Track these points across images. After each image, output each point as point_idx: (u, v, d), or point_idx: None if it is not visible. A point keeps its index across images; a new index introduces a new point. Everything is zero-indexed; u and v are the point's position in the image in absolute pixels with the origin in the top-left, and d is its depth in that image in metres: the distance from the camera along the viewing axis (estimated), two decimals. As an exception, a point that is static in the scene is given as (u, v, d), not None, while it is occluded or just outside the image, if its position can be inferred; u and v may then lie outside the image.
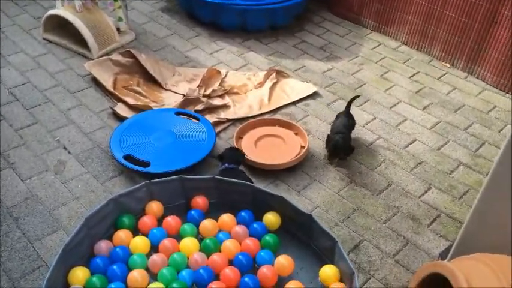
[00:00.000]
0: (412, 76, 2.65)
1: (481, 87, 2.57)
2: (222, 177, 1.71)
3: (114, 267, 1.47)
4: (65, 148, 2.08)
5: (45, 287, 1.30)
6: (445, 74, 2.67)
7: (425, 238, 1.76)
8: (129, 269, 1.49)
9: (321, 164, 2.06)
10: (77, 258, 1.49)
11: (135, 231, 1.63)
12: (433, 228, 1.80)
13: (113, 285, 1.42)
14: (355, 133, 2.16)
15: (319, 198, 1.91)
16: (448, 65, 2.73)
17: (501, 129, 2.28)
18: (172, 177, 1.71)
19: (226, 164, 1.86)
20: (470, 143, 2.19)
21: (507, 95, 2.51)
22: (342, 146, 2.00)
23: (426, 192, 1.95)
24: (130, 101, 2.28)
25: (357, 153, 2.11)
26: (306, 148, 2.05)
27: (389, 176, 2.02)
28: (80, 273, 1.44)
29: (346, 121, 2.11)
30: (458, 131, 2.26)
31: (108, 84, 2.37)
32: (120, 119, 2.22)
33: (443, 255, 1.64)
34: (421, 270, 1.30)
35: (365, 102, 2.43)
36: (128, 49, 2.55)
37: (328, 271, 1.52)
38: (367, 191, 1.94)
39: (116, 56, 2.52)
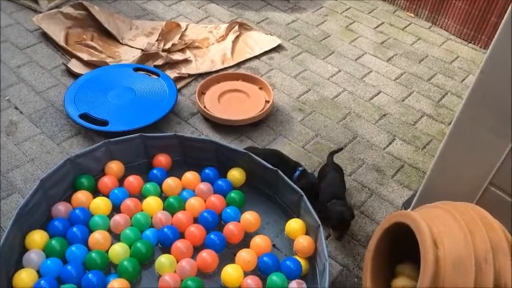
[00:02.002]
0: (377, 27, 2.61)
1: (444, 37, 2.56)
2: (183, 134, 1.66)
3: (74, 229, 1.42)
4: (16, 108, 1.96)
5: (0, 252, 1.24)
6: (409, 25, 2.64)
7: (390, 189, 1.78)
8: (90, 231, 1.45)
9: (286, 118, 2.03)
10: (34, 222, 1.43)
11: (95, 193, 1.57)
12: (397, 178, 1.82)
13: (73, 248, 1.37)
14: (320, 88, 2.13)
15: (285, 153, 1.88)
16: (412, 15, 2.70)
17: (463, 79, 2.29)
18: (133, 135, 1.64)
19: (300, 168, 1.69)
20: (433, 94, 2.20)
21: (470, 44, 2.52)
22: (350, 216, 1.54)
23: (390, 143, 1.96)
24: (85, 56, 2.15)
25: (322, 107, 2.09)
26: (270, 103, 2.00)
27: (354, 128, 2.01)
28: (37, 237, 1.39)
29: (338, 177, 1.68)
30: (422, 82, 2.26)
31: (59, 39, 2.22)
32: (75, 76, 2.10)
33: (406, 205, 1.67)
34: (385, 221, 1.31)
35: (330, 55, 2.39)
36: (79, 1, 2.38)
37: (294, 225, 1.52)
38: (332, 144, 1.93)
39: (66, 9, 2.35)
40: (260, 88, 2.11)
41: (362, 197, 1.74)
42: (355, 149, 1.92)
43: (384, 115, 2.08)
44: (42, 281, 1.28)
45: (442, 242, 1.10)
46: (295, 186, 1.52)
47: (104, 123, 1.83)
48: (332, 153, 1.79)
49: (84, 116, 1.84)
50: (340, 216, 1.52)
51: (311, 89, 2.18)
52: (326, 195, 1.60)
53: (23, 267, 1.33)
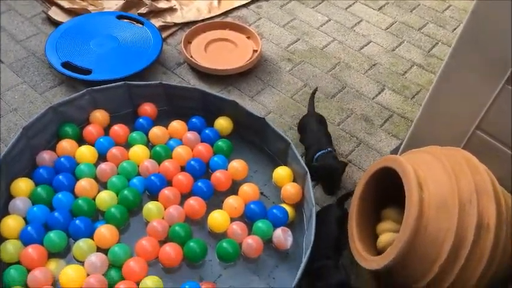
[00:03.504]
0: (368, -25, 2.53)
1: (437, -14, 2.50)
2: (169, 83, 1.62)
3: (60, 177, 1.40)
4: (-4, 57, 1.90)
5: (-16, 200, 1.23)
6: (401, -27, 2.57)
7: (378, 138, 1.78)
8: (76, 179, 1.43)
9: (275, 68, 2.00)
10: (18, 170, 1.41)
11: (80, 141, 1.55)
12: (385, 128, 1.82)
13: (60, 195, 1.36)
14: (309, 38, 2.08)
15: (273, 103, 1.86)
16: (405, -37, 2.62)
17: (455, 29, 2.26)
18: (117, 83, 1.60)
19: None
20: (424, 43, 2.17)
21: (462, -6, 2.46)
22: (342, 168, 1.51)
23: (379, 93, 1.94)
24: (65, 4, 2.06)
25: (311, 57, 2.05)
26: (258, 52, 1.96)
27: (343, 78, 1.98)
28: (22, 185, 1.37)
29: (322, 128, 1.62)
30: (412, 31, 2.22)
31: (38, -15, 2.13)
32: (55, 24, 2.02)
33: (394, 153, 1.68)
34: (372, 167, 1.32)
35: (320, 4, 2.32)
36: None
37: (281, 172, 1.52)
38: (321, 94, 1.91)
39: (45, -47, 2.24)
40: (248, 37, 2.06)
41: (350, 146, 1.74)
42: (343, 99, 1.90)
43: (374, 65, 2.05)
44: (29, 227, 1.28)
45: (427, 184, 1.11)
46: (283, 133, 1.51)
47: (87, 72, 1.78)
48: (312, 96, 1.73)
49: (66, 65, 1.79)
50: (329, 170, 1.47)
51: (300, 39, 2.14)
52: (311, 149, 1.55)
53: (9, 215, 1.33)
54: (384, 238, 1.29)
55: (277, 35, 2.13)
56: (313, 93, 1.75)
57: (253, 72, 1.96)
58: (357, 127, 1.81)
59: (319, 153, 1.51)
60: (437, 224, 1.06)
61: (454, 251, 1.03)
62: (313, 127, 1.61)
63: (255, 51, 2.00)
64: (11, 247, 1.24)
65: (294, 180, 1.51)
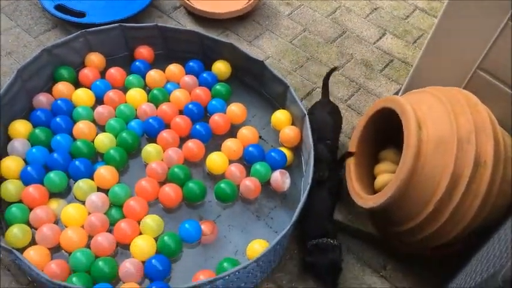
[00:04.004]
0: None
1: None
2: (165, 25, 1.59)
3: (58, 119, 1.40)
4: (-14, 0, 1.84)
5: (-18, 140, 1.23)
6: None
7: (377, 83, 1.76)
8: (74, 122, 1.43)
9: (273, 12, 1.95)
10: (15, 112, 1.41)
11: (76, 85, 1.53)
12: (385, 73, 1.80)
13: (58, 137, 1.36)
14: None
15: (272, 47, 1.83)
16: None
17: (459, -28, 2.18)
18: (111, 25, 1.56)
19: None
20: (427, -13, 2.11)
21: None
22: (328, 159, 1.36)
23: (381, 38, 1.91)
24: None
25: (310, 0, 2.00)
26: (257, -5, 1.90)
27: (344, 23, 1.94)
28: (20, 126, 1.37)
29: (328, 118, 1.44)
30: (416, -26, 2.15)
31: None
32: (47, -35, 1.95)
33: (393, 98, 1.67)
34: (371, 108, 1.31)
35: None
36: None
37: (280, 116, 1.51)
38: (321, 39, 1.88)
39: None
40: (246, -20, 2.00)
41: (349, 91, 1.73)
42: (344, 44, 1.87)
43: (375, 9, 2.00)
44: (29, 167, 1.28)
45: (426, 124, 1.11)
46: (281, 77, 1.49)
47: (81, 15, 1.74)
48: (327, 78, 1.52)
49: (60, 8, 1.74)
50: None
51: (300, -18, 2.07)
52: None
53: (9, 156, 1.33)
54: (381, 179, 1.31)
55: (277, -23, 2.07)
56: (329, 74, 1.54)
57: (251, 16, 1.91)
58: (356, 72, 1.79)
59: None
60: (435, 163, 1.06)
61: (449, 188, 1.04)
62: (322, 118, 1.43)
63: (253, -6, 1.94)
64: (12, 186, 1.25)
65: (293, 124, 1.51)
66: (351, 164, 1.35)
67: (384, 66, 1.82)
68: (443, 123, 1.09)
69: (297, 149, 1.49)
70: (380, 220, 1.31)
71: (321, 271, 1.22)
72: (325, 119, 1.44)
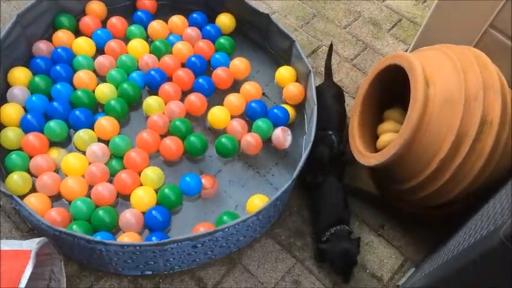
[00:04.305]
0: None
1: None
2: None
3: (58, 67, 1.37)
4: None
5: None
6: None
7: (385, 42, 1.72)
8: (74, 71, 1.40)
9: (281, -35, 1.88)
10: (15, 59, 1.38)
11: (77, 33, 1.50)
12: (393, 33, 1.75)
13: (58, 86, 1.34)
14: None
15: (278, 3, 1.78)
16: None
17: None
18: (113, -27, 1.51)
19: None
20: None
21: None
22: (325, 161, 1.28)
23: (390, -4, 1.85)
24: None
25: (320, -45, 1.93)
26: None
27: (353, -21, 1.88)
28: (20, 73, 1.35)
29: (333, 103, 1.37)
30: None
31: None
32: None
33: (400, 58, 1.63)
34: (378, 64, 1.28)
35: None
36: None
37: (284, 72, 1.49)
38: (329, -6, 1.82)
39: None
40: None
41: (355, 50, 1.69)
42: (352, 1, 1.82)
43: (386, -34, 1.94)
44: (29, 115, 1.27)
45: (434, 81, 1.09)
46: (287, 31, 1.45)
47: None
48: (329, 57, 1.47)
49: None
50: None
51: None
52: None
53: (8, 103, 1.31)
54: (384, 138, 1.29)
55: None
56: (329, 54, 1.48)
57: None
58: (363, 31, 1.75)
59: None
60: (441, 120, 1.05)
61: (454, 146, 1.03)
62: (326, 102, 1.36)
63: None
64: (12, 134, 1.24)
65: (297, 81, 1.49)
66: (354, 123, 1.33)
67: (392, 26, 1.77)
68: (452, 81, 1.06)
69: (300, 107, 1.47)
70: (381, 179, 1.31)
71: (335, 258, 1.17)
72: (329, 104, 1.36)
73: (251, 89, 1.44)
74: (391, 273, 1.27)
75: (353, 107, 1.36)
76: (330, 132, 1.31)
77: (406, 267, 1.28)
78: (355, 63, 1.66)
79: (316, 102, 1.32)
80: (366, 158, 1.22)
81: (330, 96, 1.38)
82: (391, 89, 1.29)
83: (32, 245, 0.97)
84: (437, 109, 1.05)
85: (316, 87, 1.38)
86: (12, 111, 1.27)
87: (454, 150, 1.04)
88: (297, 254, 1.27)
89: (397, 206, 1.30)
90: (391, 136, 1.27)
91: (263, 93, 1.50)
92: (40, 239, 1.00)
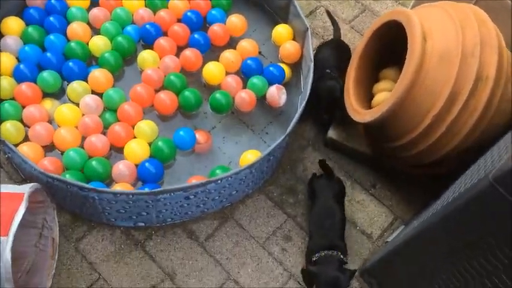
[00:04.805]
0: None
1: None
2: None
3: (51, 18, 1.35)
4: None
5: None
6: None
7: (384, 5, 1.70)
8: (68, 22, 1.38)
9: None
10: (8, 10, 1.36)
11: (71, -15, 1.47)
12: (393, -4, 1.73)
13: (52, 36, 1.33)
14: None
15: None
16: None
17: None
18: None
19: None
20: None
21: None
22: (339, 96, 1.30)
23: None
24: None
25: None
26: None
27: None
28: (13, 23, 1.33)
29: (335, 55, 1.39)
30: None
31: None
32: None
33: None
34: (377, 20, 1.26)
35: None
36: None
37: (281, 30, 1.47)
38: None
39: None
40: None
41: (354, 12, 1.67)
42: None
43: None
44: (22, 65, 1.26)
45: (432, 36, 1.08)
46: (285, -13, 1.43)
47: None
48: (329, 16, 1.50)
49: None
50: (327, 92, 1.28)
51: None
52: (317, 70, 1.31)
53: (1, 52, 1.30)
54: (379, 97, 1.29)
55: None
56: (330, 16, 1.51)
57: None
58: (363, -7, 1.72)
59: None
60: (437, 76, 1.04)
61: (449, 101, 1.03)
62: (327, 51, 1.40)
63: None
64: (5, 83, 1.23)
65: (294, 40, 1.47)
66: (350, 81, 1.32)
67: (394, -8, 1.74)
68: (449, 36, 1.06)
69: (296, 67, 1.46)
70: (375, 136, 1.31)
71: (321, 285, 1.07)
72: (329, 53, 1.40)
73: (247, 45, 1.43)
74: (381, 230, 1.29)
75: (349, 65, 1.34)
76: (328, 70, 1.32)
77: (395, 225, 1.30)
78: (353, 24, 1.64)
79: (312, 59, 1.31)
80: (361, 114, 1.21)
81: (332, 47, 1.42)
82: (389, 48, 1.28)
83: (25, 188, 0.98)
84: (433, 64, 1.05)
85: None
86: (5, 60, 1.26)
87: (448, 106, 1.04)
88: (289, 211, 1.29)
89: (389, 165, 1.31)
90: (386, 95, 1.27)
91: (259, 52, 1.48)
92: (33, 184, 1.01)
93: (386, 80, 1.31)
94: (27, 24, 1.35)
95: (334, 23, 1.49)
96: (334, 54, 1.39)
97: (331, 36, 1.50)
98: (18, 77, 1.25)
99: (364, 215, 1.31)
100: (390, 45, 1.26)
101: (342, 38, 1.48)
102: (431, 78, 1.05)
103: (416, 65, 1.05)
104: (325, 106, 1.31)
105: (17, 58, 1.30)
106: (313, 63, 1.30)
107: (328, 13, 1.52)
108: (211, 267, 1.19)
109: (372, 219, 1.31)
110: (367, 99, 1.32)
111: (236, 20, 1.46)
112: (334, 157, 1.38)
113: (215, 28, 1.43)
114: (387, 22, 1.21)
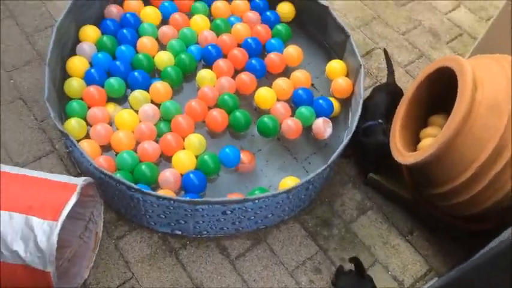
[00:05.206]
0: None
1: None
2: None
3: (124, 31, 1.47)
4: None
5: (54, 35, 1.32)
6: None
7: (441, 54, 1.72)
8: (139, 36, 1.50)
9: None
10: (87, 18, 1.49)
11: (146, 2, 1.60)
12: (452, 45, 1.74)
13: (123, 47, 1.44)
14: None
15: (339, 2, 1.81)
16: None
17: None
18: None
19: None
20: (515, -35, 1.99)
21: None
22: (388, 153, 1.29)
23: (454, 9, 1.84)
24: None
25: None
26: None
27: (418, -13, 1.89)
28: (90, 31, 1.46)
29: (389, 101, 1.40)
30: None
31: None
32: None
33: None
34: (430, 66, 1.28)
35: None
36: None
37: (335, 65, 1.52)
38: (391, 0, 1.83)
39: None
40: None
41: (411, 57, 1.70)
42: (414, 9, 1.83)
43: (454, -21, 1.93)
44: (93, 70, 1.38)
45: (483, 85, 1.08)
46: (343, 25, 1.48)
47: None
48: (387, 59, 1.53)
49: None
50: (376, 146, 1.32)
51: None
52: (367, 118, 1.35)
53: (76, 55, 1.42)
54: (425, 142, 1.29)
55: None
56: (386, 56, 1.55)
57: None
58: (421, 40, 1.75)
59: (368, 123, 1.32)
60: (484, 126, 1.04)
61: (494, 154, 1.03)
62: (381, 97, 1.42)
63: None
64: (75, 83, 1.35)
65: (347, 76, 1.51)
66: (396, 124, 1.33)
67: (452, 39, 1.76)
68: (500, 88, 1.06)
69: (346, 103, 1.50)
70: (416, 181, 1.31)
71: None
72: (383, 97, 1.42)
73: (301, 76, 1.49)
74: (413, 279, 1.26)
75: (398, 106, 1.36)
76: (380, 121, 1.34)
77: (429, 276, 1.26)
78: (408, 69, 1.67)
79: (362, 96, 1.34)
80: (404, 157, 1.22)
81: (387, 92, 1.43)
82: (439, 94, 1.29)
83: (79, 181, 1.06)
84: (482, 113, 1.05)
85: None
86: (79, 63, 1.38)
87: (493, 158, 1.03)
88: (321, 243, 1.29)
89: (428, 212, 1.29)
90: (433, 141, 1.27)
91: (312, 84, 1.53)
92: (86, 178, 1.09)
93: (435, 126, 1.32)
94: (102, 34, 1.48)
95: (389, 64, 1.52)
96: (388, 100, 1.41)
97: (385, 77, 1.53)
98: (88, 79, 1.37)
99: (397, 260, 1.28)
100: (441, 92, 1.27)
101: (395, 81, 1.50)
102: (479, 128, 1.05)
103: (464, 112, 1.05)
104: (372, 160, 1.35)
105: (90, 63, 1.43)
106: (362, 100, 1.33)
107: (386, 52, 1.56)
108: (237, 286, 1.20)
109: (405, 266, 1.28)
110: (413, 142, 1.33)
111: (293, 51, 1.52)
112: (374, 197, 1.38)
113: (272, 56, 1.50)
114: (440, 68, 1.23)
